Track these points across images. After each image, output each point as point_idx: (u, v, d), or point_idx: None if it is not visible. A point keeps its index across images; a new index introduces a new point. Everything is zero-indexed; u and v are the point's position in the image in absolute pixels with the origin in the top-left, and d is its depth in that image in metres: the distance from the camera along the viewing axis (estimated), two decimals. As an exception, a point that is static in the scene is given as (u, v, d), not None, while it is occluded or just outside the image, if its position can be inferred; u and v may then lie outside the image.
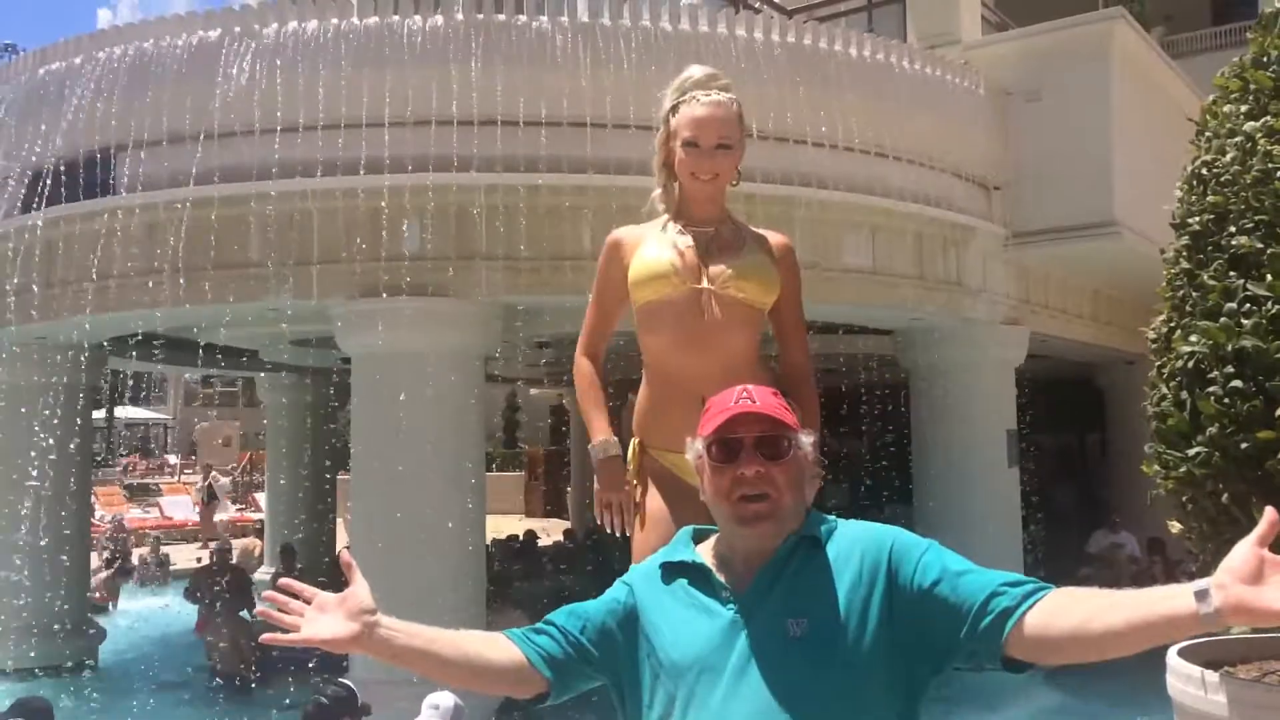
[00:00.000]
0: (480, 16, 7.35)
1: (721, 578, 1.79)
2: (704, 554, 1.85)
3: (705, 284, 2.60)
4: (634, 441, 2.76)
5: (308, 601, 1.77)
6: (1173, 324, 2.97)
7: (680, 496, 2.56)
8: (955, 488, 9.44)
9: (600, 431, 2.76)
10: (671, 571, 1.85)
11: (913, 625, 1.69)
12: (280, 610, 1.75)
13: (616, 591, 1.89)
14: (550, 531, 16.50)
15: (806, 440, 1.82)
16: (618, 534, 2.74)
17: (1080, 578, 11.42)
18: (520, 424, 28.65)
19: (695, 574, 1.82)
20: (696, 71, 2.74)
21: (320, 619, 1.76)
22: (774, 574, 1.76)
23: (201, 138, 7.37)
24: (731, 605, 1.75)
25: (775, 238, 2.76)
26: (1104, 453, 15.01)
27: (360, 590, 1.80)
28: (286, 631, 1.74)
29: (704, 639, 1.74)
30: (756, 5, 10.46)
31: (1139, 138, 9.80)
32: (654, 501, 2.67)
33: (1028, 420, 10.32)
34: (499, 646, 1.83)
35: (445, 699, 5.49)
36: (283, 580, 1.83)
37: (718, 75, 2.74)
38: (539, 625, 1.87)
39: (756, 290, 2.63)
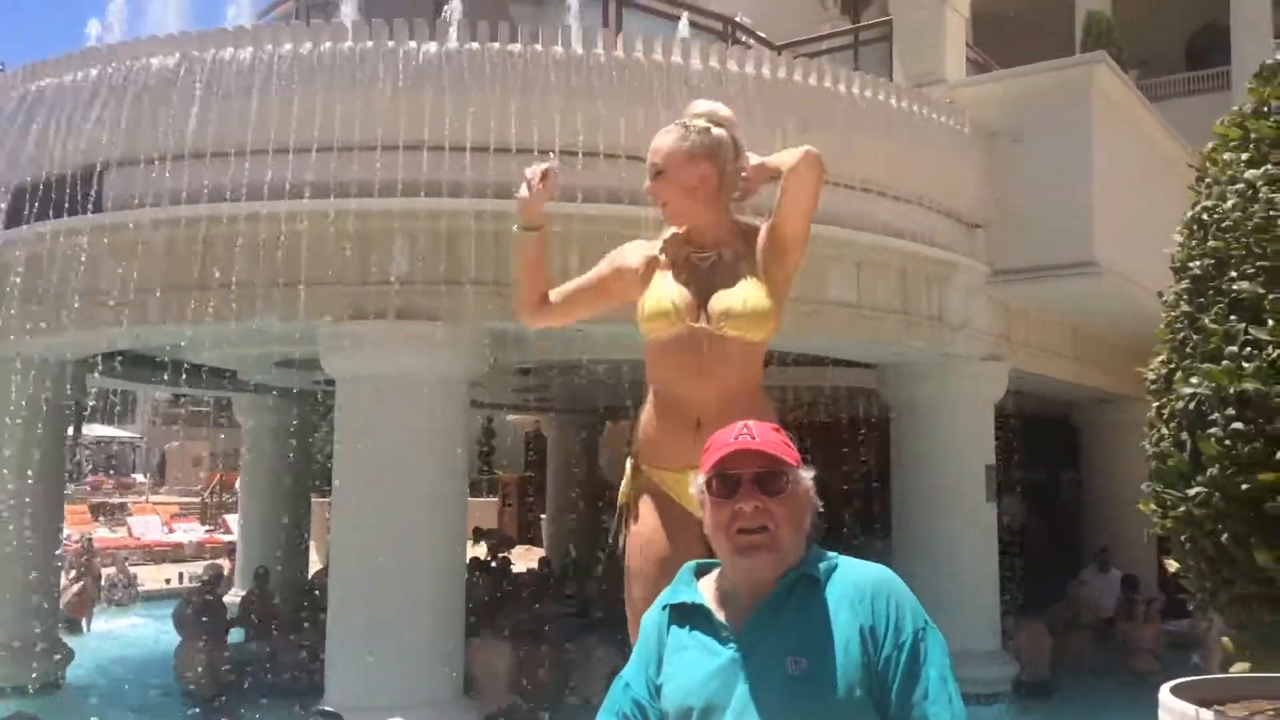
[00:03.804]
0: (474, 44, 7.39)
1: (722, 615, 1.81)
2: (706, 590, 1.88)
3: (703, 323, 2.69)
4: (629, 460, 2.86)
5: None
6: (1173, 365, 3.02)
7: (671, 515, 2.72)
8: (934, 522, 9.49)
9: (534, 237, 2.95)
10: (674, 614, 1.88)
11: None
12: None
13: (645, 658, 1.90)
14: (520, 558, 16.41)
15: (806, 475, 1.85)
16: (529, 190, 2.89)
17: (1051, 614, 11.48)
18: (495, 449, 28.50)
19: (696, 615, 1.84)
20: (688, 108, 2.83)
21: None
22: (773, 612, 1.78)
23: (190, 157, 7.36)
24: (731, 644, 1.78)
25: (760, 233, 2.78)
26: (1078, 490, 15.12)
27: None
28: None
29: (705, 679, 1.76)
30: (746, 40, 10.57)
31: (1119, 179, 9.96)
32: (648, 519, 2.76)
33: (1003, 456, 10.40)
34: None
35: None
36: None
37: (695, 106, 2.82)
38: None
39: (749, 326, 2.68)
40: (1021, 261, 9.62)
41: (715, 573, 1.90)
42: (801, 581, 1.79)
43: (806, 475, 1.85)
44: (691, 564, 1.96)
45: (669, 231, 2.86)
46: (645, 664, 1.87)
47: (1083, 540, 14.34)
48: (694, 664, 1.79)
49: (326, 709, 5.55)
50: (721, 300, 2.68)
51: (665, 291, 2.73)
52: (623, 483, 2.86)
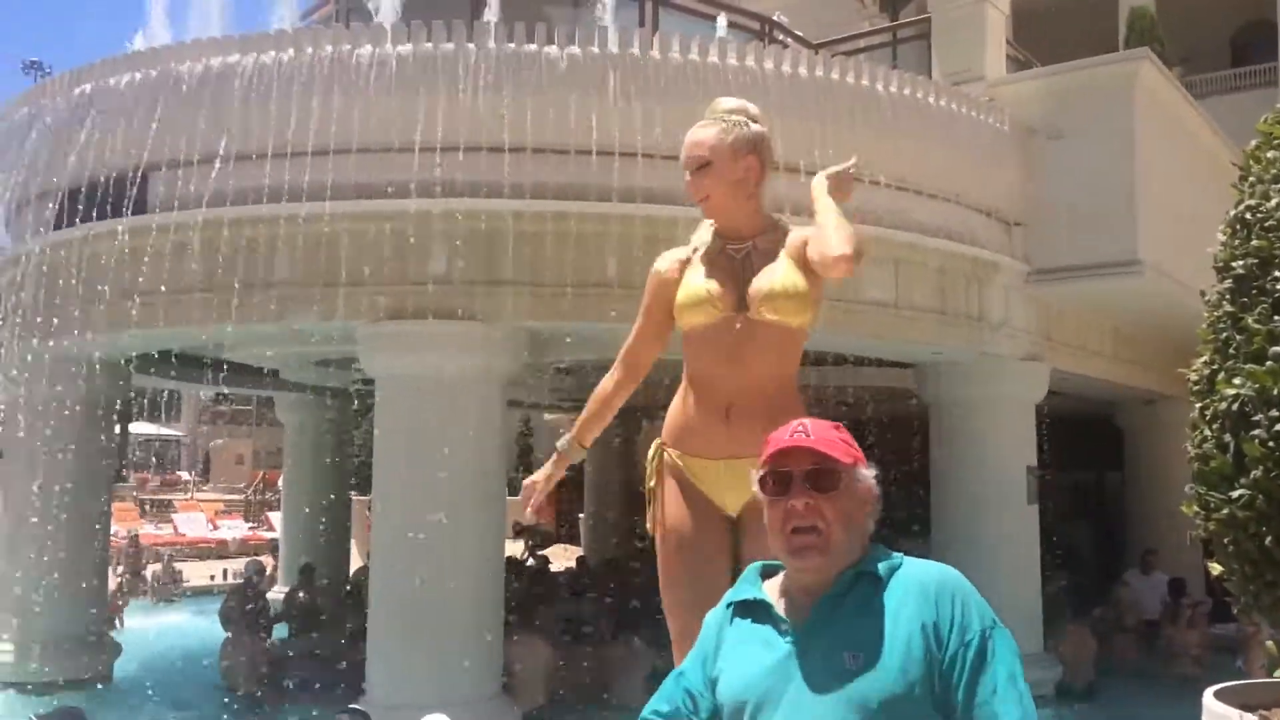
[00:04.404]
0: (512, 46, 7.43)
1: (782, 611, 1.83)
2: (771, 590, 1.89)
3: (740, 309, 2.69)
4: (655, 443, 2.88)
5: None
6: (1215, 366, 2.98)
7: (696, 503, 2.75)
8: (973, 524, 9.40)
9: (575, 432, 2.97)
10: (738, 610, 1.90)
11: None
12: None
13: (703, 652, 1.91)
14: (559, 557, 16.48)
15: (866, 473, 1.85)
16: (525, 511, 2.99)
17: (1095, 618, 11.36)
18: (533, 449, 28.63)
19: (758, 610, 1.86)
20: (712, 104, 2.83)
21: None
22: (832, 607, 1.78)
23: (234, 159, 7.45)
24: (789, 637, 1.78)
25: (800, 233, 2.75)
26: (1122, 492, 14.93)
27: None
28: None
29: (762, 671, 1.77)
30: (784, 39, 10.54)
31: (1163, 177, 9.83)
32: (672, 507, 2.78)
33: (1046, 457, 10.29)
34: None
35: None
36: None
37: (728, 101, 2.82)
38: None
39: (789, 310, 2.68)
40: (1063, 260, 9.51)
41: (782, 574, 1.92)
42: (862, 579, 1.79)
43: (866, 474, 1.85)
44: (757, 564, 1.98)
45: (699, 235, 2.87)
46: (703, 656, 1.90)
47: (1128, 542, 14.17)
48: (752, 657, 1.80)
49: (355, 708, 5.59)
50: (760, 284, 2.69)
51: (699, 280, 2.74)
52: (648, 467, 2.88)
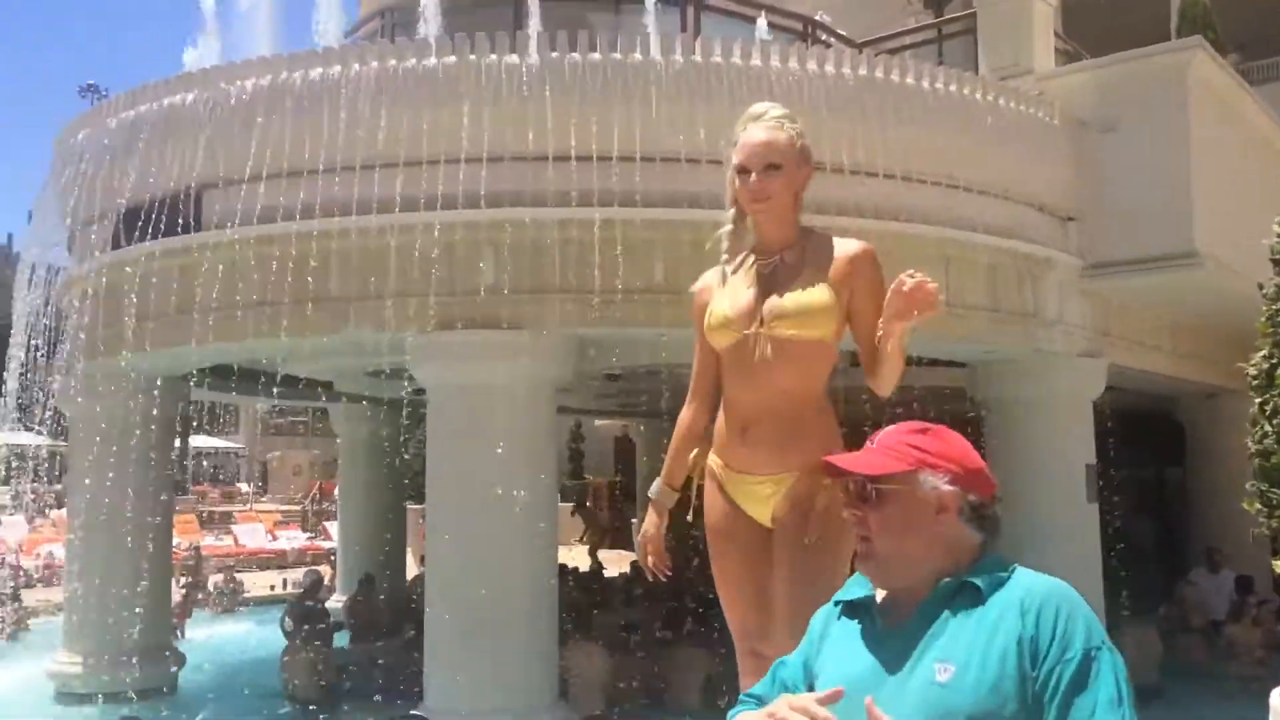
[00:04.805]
0: (554, 55, 7.46)
1: (886, 613, 1.81)
2: (881, 591, 1.87)
3: (755, 327, 2.71)
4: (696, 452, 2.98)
5: None
6: (1274, 360, 2.90)
7: (725, 508, 2.86)
8: (1033, 523, 9.22)
9: (663, 475, 3.01)
10: (845, 609, 1.89)
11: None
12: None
13: (806, 647, 1.92)
14: (612, 563, 16.48)
15: (933, 479, 1.76)
16: (649, 577, 3.01)
17: (1161, 616, 11.13)
18: (584, 454, 28.72)
19: (862, 611, 1.85)
20: (755, 108, 2.83)
21: None
22: (929, 616, 1.74)
23: (285, 175, 7.57)
24: (884, 643, 1.76)
25: (841, 251, 2.74)
26: (1183, 488, 14.63)
27: None
28: None
29: (859, 671, 1.75)
30: (826, 39, 10.48)
31: (1219, 167, 9.62)
32: (711, 507, 2.91)
33: (1107, 454, 10.10)
34: None
35: None
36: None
37: (775, 107, 2.83)
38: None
39: (803, 325, 2.68)
40: (1119, 254, 9.34)
41: None
42: (964, 589, 1.74)
43: (934, 479, 1.76)
44: None
45: (726, 251, 2.87)
46: (806, 651, 1.90)
47: (1190, 539, 13.88)
48: (851, 656, 1.79)
49: (414, 714, 5.64)
50: (774, 301, 2.70)
51: (723, 302, 2.78)
52: (698, 461, 2.97)
